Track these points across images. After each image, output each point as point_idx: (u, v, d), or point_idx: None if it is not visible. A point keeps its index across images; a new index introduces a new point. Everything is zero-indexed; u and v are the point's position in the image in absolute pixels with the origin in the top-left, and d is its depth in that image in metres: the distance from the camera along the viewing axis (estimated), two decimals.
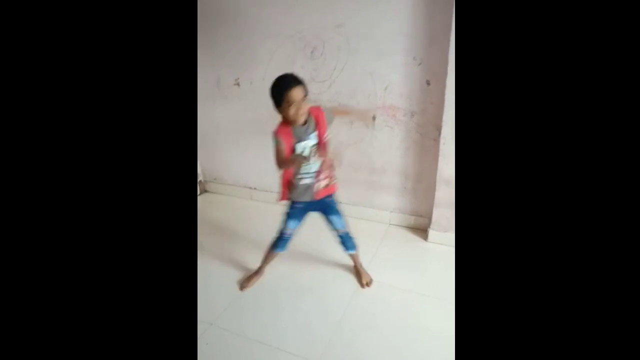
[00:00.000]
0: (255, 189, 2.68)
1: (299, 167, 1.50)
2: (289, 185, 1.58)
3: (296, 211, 1.64)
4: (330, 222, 1.68)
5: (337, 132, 2.22)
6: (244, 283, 1.81)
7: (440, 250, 2.02)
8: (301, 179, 1.53)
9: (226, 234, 2.28)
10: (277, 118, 2.47)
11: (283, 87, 1.40)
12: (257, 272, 1.84)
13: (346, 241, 1.73)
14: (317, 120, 1.49)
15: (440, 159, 1.91)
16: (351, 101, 2.12)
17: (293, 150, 1.48)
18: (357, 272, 1.82)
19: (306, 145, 1.48)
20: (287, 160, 1.47)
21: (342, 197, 2.38)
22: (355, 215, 2.36)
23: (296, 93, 1.39)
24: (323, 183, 1.57)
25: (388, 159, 2.18)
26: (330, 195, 1.63)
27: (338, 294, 1.74)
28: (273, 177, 2.68)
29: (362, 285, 1.77)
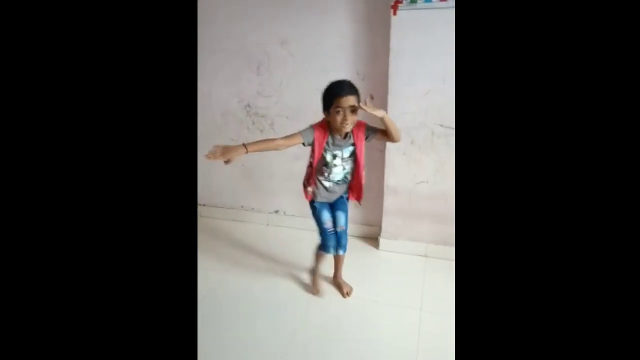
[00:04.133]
0: (204, 205, 2.61)
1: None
2: (311, 184, 1.64)
3: (319, 205, 1.68)
4: (334, 216, 1.70)
5: None
6: (314, 290, 1.81)
7: (390, 258, 2.09)
8: (323, 181, 1.60)
9: None
10: (223, 135, 2.43)
11: (334, 93, 1.41)
12: (315, 274, 1.83)
13: (341, 239, 1.72)
14: (356, 135, 1.51)
15: (386, 169, 1.99)
16: (298, 115, 2.15)
17: (320, 155, 1.53)
18: (337, 282, 1.83)
19: (337, 155, 1.53)
20: (259, 143, 1.49)
21: (294, 210, 2.40)
22: (305, 227, 2.38)
23: (346, 101, 1.39)
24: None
25: None
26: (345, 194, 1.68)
27: (292, 307, 1.73)
28: (226, 194, 2.62)
29: (343, 295, 1.78)
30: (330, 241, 1.70)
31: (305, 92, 2.09)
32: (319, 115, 2.12)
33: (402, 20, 1.73)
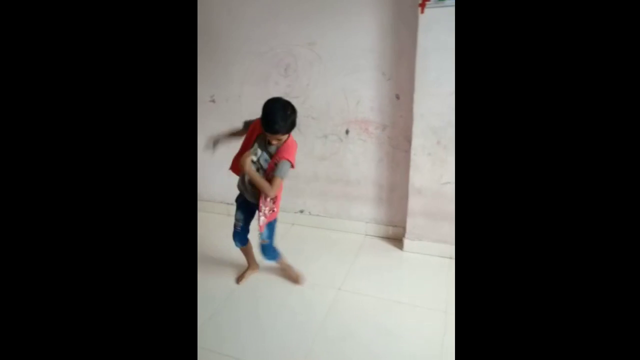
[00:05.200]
0: (230, 204, 2.68)
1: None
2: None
3: (240, 203, 1.79)
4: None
5: (311, 146, 2.26)
6: (238, 279, 1.94)
7: (415, 259, 2.07)
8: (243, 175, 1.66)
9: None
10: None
11: (263, 122, 1.49)
12: (248, 267, 1.97)
13: (263, 253, 1.80)
14: (279, 151, 1.56)
15: (411, 169, 1.97)
16: (324, 116, 2.18)
17: (249, 143, 1.62)
18: (286, 273, 1.92)
19: (257, 153, 1.58)
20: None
21: (319, 209, 2.42)
22: (331, 227, 2.39)
23: (269, 135, 1.51)
24: (262, 219, 1.64)
25: (362, 171, 2.23)
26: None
27: (315, 306, 1.74)
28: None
29: (295, 282, 1.88)
30: (235, 237, 1.83)
31: (332, 93, 2.12)
32: (344, 115, 2.15)
33: (430, 18, 1.72)
